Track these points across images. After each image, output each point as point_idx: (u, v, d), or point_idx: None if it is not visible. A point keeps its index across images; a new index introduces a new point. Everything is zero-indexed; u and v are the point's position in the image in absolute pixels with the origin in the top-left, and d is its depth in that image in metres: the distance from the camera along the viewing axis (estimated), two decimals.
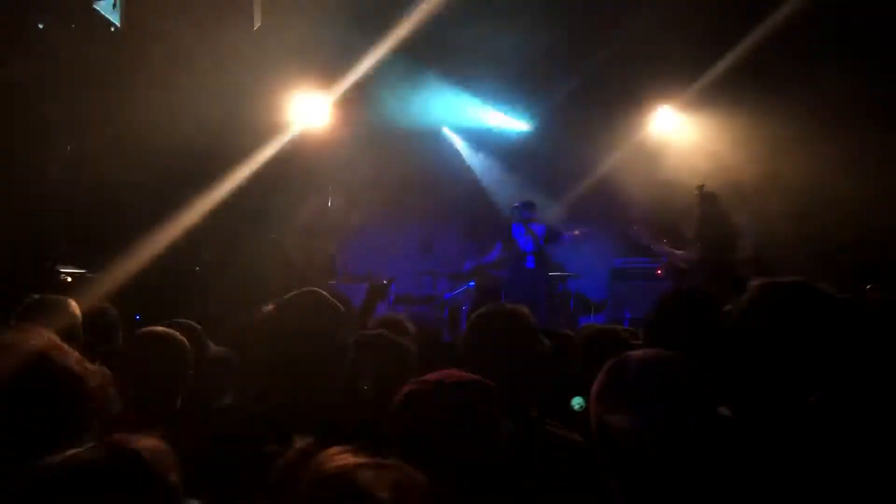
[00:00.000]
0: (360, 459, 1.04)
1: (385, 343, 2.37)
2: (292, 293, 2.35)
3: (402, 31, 7.37)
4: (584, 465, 1.97)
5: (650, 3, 7.41)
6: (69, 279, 5.17)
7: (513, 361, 2.24)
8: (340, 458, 1.04)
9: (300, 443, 1.10)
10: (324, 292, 2.31)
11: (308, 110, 7.83)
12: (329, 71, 7.68)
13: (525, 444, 1.98)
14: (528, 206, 7.52)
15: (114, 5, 5.62)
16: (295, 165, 7.50)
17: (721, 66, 7.71)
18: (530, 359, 2.31)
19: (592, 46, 8.00)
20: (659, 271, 7.58)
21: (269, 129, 7.38)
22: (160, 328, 2.43)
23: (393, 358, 2.31)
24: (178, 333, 2.43)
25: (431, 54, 8.22)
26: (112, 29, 5.68)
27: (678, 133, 8.70)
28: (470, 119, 9.28)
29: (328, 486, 1.00)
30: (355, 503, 0.97)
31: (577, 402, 1.60)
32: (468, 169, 9.42)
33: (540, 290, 7.04)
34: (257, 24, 6.93)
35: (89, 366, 1.47)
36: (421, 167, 9.01)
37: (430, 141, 9.37)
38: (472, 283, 7.84)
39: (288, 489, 1.02)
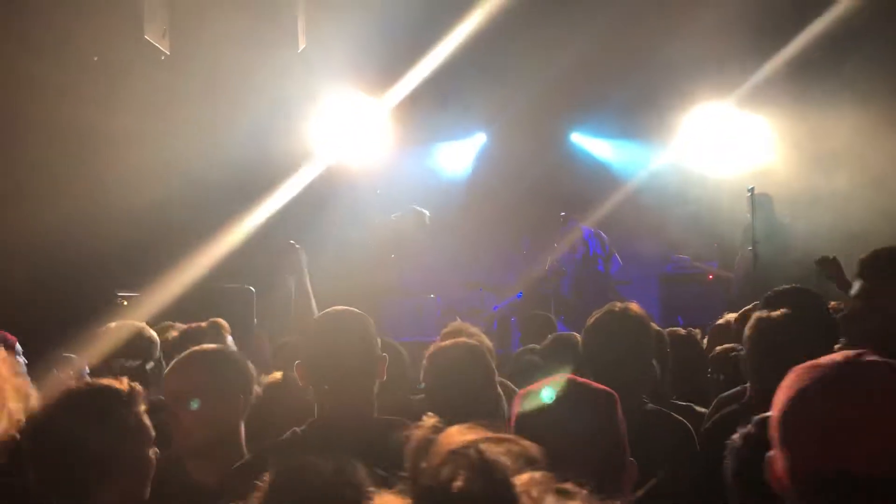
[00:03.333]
0: (484, 434, 1.14)
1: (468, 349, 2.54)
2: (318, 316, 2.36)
3: (445, 46, 7.45)
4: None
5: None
6: (125, 303, 5.29)
7: (636, 362, 2.43)
8: (465, 433, 1.13)
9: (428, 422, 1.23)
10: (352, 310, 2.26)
11: (358, 126, 7.91)
12: (377, 86, 7.76)
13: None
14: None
15: (163, 35, 5.77)
16: (342, 183, 7.61)
17: (774, 65, 7.62)
18: (649, 358, 2.50)
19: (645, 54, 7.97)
20: (710, 276, 7.49)
21: (313, 150, 7.47)
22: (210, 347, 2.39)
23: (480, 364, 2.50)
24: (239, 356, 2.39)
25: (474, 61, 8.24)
26: (162, 57, 5.84)
27: (725, 133, 8.57)
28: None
29: (456, 458, 1.10)
30: (482, 472, 1.06)
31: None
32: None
33: (609, 294, 7.01)
34: (302, 46, 7.04)
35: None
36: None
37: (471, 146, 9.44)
38: (520, 294, 7.82)
39: (418, 464, 1.11)
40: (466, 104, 8.71)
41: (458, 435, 1.14)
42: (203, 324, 3.60)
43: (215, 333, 3.52)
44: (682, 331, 3.78)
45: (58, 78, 5.31)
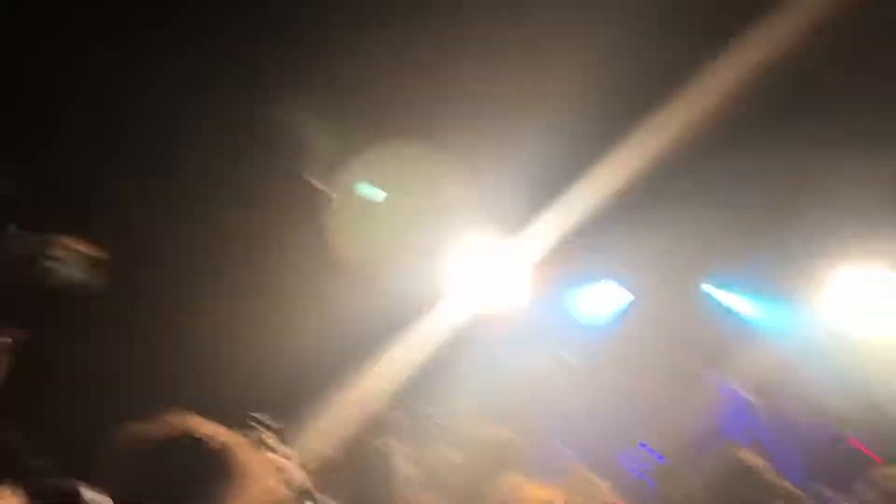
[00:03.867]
0: None
1: None
2: None
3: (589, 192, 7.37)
4: None
5: None
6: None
7: None
8: None
9: None
10: None
11: (497, 269, 7.80)
12: (516, 228, 7.69)
13: None
14: None
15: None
16: (478, 327, 7.46)
17: None
18: None
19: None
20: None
21: (449, 292, 7.38)
22: None
23: None
24: None
25: None
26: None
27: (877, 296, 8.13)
28: None
29: None
30: None
31: None
32: None
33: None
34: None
35: None
36: None
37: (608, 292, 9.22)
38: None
39: None
40: (606, 249, 8.58)
41: None
42: None
43: None
44: None
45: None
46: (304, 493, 2.88)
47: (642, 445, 7.55)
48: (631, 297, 8.98)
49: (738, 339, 8.41)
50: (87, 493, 1.76)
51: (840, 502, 4.40)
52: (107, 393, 4.91)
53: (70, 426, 4.18)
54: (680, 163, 7.95)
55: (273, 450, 3.06)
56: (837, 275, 8.02)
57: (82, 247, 7.65)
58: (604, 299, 9.12)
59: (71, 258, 7.52)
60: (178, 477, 1.82)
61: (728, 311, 8.93)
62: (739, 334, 8.57)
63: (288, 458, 3.09)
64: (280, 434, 3.38)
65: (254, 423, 3.32)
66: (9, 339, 2.06)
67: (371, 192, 6.21)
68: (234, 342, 5.34)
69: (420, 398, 6.57)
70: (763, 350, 8.13)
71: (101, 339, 5.53)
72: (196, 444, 1.85)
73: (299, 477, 2.94)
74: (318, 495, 2.79)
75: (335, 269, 5.96)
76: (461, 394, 6.71)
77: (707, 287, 8.98)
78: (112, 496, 1.80)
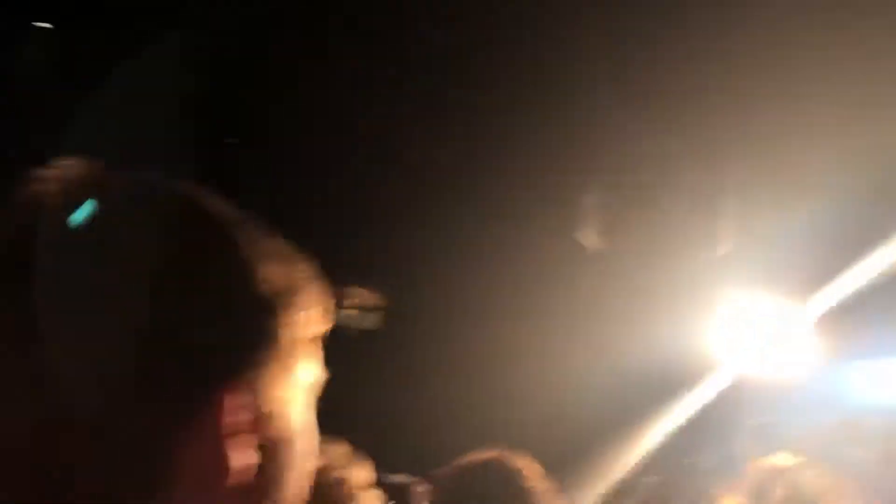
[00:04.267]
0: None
1: None
2: None
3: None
4: None
5: None
6: None
7: None
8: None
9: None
10: None
11: (773, 335, 7.34)
12: (799, 291, 7.20)
13: None
14: None
15: (596, 235, 5.87)
16: (751, 397, 7.03)
17: None
18: None
19: None
20: None
21: (719, 358, 7.04)
22: None
23: None
24: None
25: None
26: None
27: None
28: None
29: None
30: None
31: None
32: None
33: None
34: (723, 249, 6.74)
35: None
36: None
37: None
38: None
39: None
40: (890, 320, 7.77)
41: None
42: None
43: None
44: None
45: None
46: None
47: None
48: None
49: None
50: (418, 486, 1.98)
51: None
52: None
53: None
54: None
55: None
56: None
57: (365, 294, 8.25)
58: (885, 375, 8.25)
59: (356, 305, 8.13)
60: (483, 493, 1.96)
61: None
62: None
63: None
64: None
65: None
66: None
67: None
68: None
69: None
70: None
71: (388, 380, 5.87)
72: (502, 469, 2.00)
73: None
74: None
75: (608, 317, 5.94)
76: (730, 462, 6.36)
77: None
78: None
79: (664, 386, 6.53)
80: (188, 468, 0.55)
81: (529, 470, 2.07)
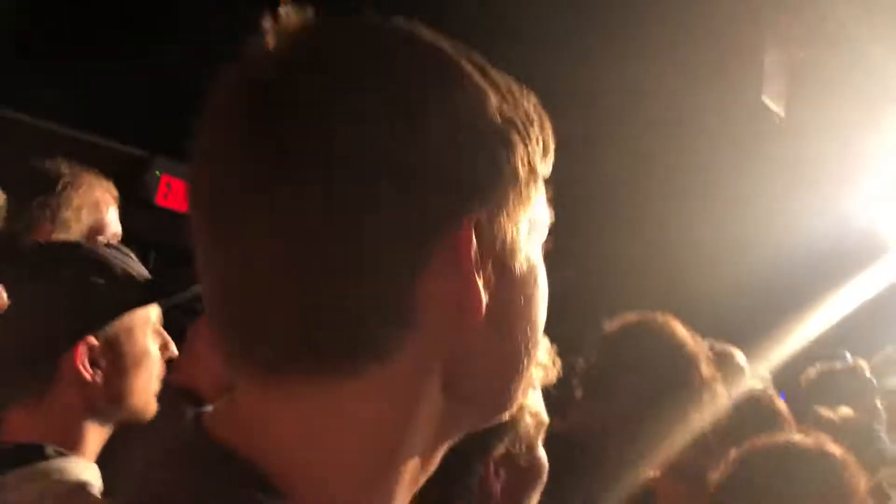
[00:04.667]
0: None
1: None
2: None
3: None
4: None
5: None
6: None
7: None
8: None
9: None
10: None
11: None
12: None
13: None
14: None
15: (780, 98, 5.71)
16: None
17: None
18: None
19: None
20: None
21: None
22: None
23: None
24: None
25: None
26: (776, 121, 5.77)
27: None
28: None
29: None
30: None
31: None
32: None
33: None
34: None
35: None
36: None
37: None
38: None
39: None
40: None
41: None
42: None
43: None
44: None
45: (673, 145, 5.54)
46: None
47: None
48: None
49: None
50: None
51: None
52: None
53: None
54: None
55: None
56: None
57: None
58: None
59: None
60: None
61: None
62: None
63: None
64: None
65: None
66: None
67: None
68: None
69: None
70: None
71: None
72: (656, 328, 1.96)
73: None
74: None
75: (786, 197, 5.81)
76: None
77: None
78: None
79: (843, 263, 6.33)
80: (436, 304, 0.54)
81: (682, 331, 1.94)
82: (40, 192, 1.92)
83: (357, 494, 0.56)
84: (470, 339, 0.56)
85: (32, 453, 1.13)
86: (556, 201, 0.63)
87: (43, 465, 1.12)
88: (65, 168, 2.03)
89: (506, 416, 0.62)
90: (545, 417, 1.12)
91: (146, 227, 4.56)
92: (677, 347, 1.91)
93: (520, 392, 0.61)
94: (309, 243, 0.53)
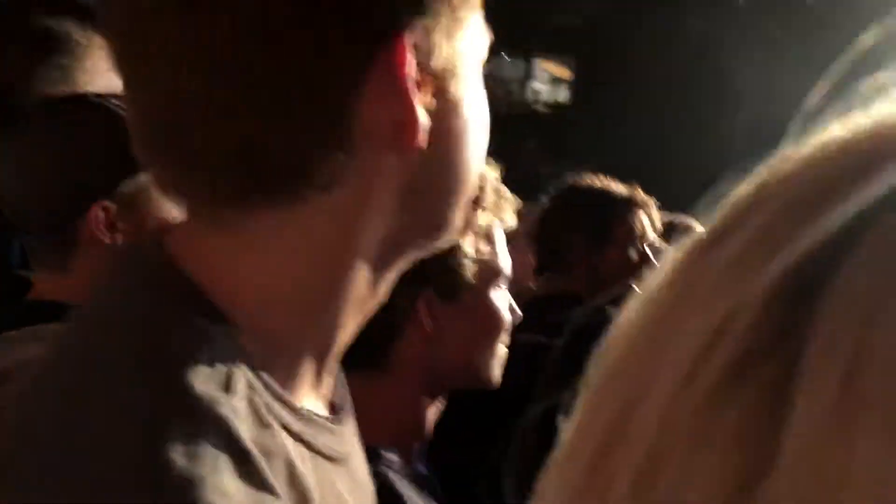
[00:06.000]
0: None
1: None
2: None
3: None
4: None
5: None
6: None
7: None
8: None
9: None
10: None
11: None
12: None
13: None
14: None
15: None
16: None
17: None
18: None
19: None
20: None
21: None
22: None
23: None
24: None
25: None
26: None
27: None
28: None
29: None
30: None
31: None
32: None
33: None
34: None
35: None
36: None
37: None
38: None
39: None
40: None
41: None
42: None
43: None
44: None
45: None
46: None
47: None
48: None
49: None
50: None
51: None
52: None
53: None
54: None
55: None
56: None
57: (554, 68, 8.20)
58: None
59: (546, 79, 8.12)
60: None
61: None
62: None
63: None
64: None
65: None
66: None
67: None
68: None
69: None
70: None
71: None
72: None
73: None
74: None
75: None
76: None
77: None
78: None
79: None
80: (376, 128, 0.52)
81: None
82: (54, 50, 1.87)
83: (302, 320, 0.56)
84: (411, 162, 0.55)
85: (51, 311, 1.14)
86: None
87: (55, 324, 1.13)
88: (77, 28, 1.97)
89: (445, 241, 0.62)
90: (500, 266, 1.09)
91: None
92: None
93: (459, 217, 0.60)
94: (236, 73, 0.50)
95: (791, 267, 0.24)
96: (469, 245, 1.04)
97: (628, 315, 0.28)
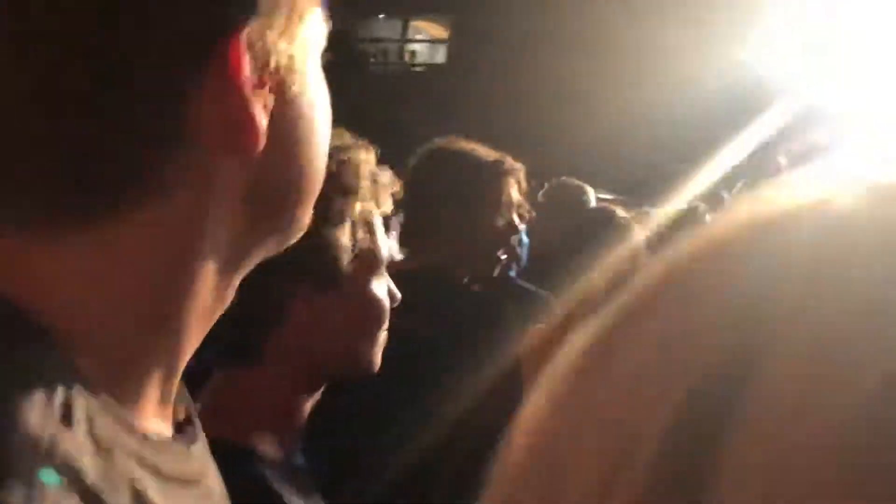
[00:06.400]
0: None
1: None
2: None
3: None
4: None
5: None
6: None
7: None
8: None
9: None
10: None
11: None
12: None
13: None
14: None
15: None
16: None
17: None
18: None
19: None
20: None
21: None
22: None
23: None
24: None
25: None
26: None
27: None
28: None
29: None
30: None
31: None
32: None
33: None
34: None
35: None
36: None
37: None
38: None
39: None
40: None
41: None
42: None
43: None
44: None
45: None
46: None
47: None
48: None
49: None
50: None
51: None
52: None
53: None
54: None
55: None
56: None
57: (431, 27, 8.14)
58: None
59: (424, 39, 8.06)
60: None
61: None
62: None
63: None
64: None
65: None
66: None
67: None
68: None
69: None
70: None
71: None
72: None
73: None
74: None
75: None
76: None
77: None
78: None
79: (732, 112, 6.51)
80: (214, 128, 0.50)
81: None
82: None
83: (146, 333, 0.54)
84: (253, 162, 0.53)
85: None
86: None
87: None
88: None
89: (292, 239, 0.61)
90: (379, 253, 1.08)
91: None
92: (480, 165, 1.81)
93: (306, 214, 0.59)
94: (58, 74, 0.47)
95: (691, 394, 0.22)
96: (346, 235, 1.02)
97: (524, 432, 0.26)
